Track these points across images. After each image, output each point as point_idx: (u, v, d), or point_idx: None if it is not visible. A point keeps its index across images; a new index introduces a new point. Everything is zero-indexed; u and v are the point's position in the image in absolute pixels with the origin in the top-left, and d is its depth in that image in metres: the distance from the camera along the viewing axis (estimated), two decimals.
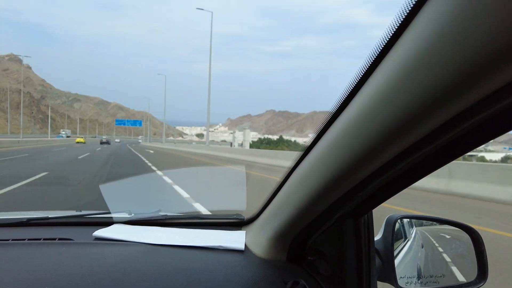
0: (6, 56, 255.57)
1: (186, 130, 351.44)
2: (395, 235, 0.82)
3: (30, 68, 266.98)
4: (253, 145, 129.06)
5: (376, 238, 0.79)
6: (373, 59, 0.43)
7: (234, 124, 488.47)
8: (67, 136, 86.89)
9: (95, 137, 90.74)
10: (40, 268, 0.75)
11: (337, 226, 0.72)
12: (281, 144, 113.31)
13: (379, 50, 0.42)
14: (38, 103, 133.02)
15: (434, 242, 0.91)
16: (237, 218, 1.13)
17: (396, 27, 0.38)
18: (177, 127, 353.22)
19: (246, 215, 1.11)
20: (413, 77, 0.38)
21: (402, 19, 0.37)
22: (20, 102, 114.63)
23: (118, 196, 1.45)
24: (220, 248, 0.89)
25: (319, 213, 0.67)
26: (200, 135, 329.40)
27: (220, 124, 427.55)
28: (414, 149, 0.45)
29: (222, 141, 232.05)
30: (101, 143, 55.13)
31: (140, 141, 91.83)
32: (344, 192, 0.59)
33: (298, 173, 0.67)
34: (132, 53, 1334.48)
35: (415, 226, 0.93)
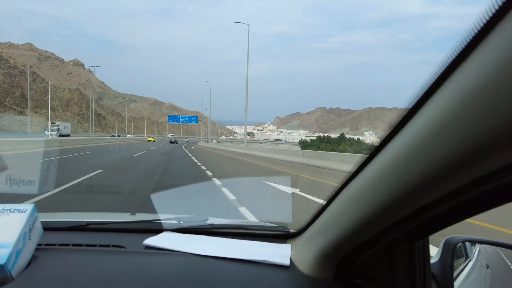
0: (71, 61, 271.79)
1: (236, 129, 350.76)
2: (456, 255, 0.76)
3: (91, 72, 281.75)
4: (312, 144, 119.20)
5: (432, 261, 0.75)
6: (459, 52, 0.37)
7: (283, 122, 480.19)
8: (118, 136, 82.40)
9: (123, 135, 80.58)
10: (95, 276, 0.78)
11: (389, 249, 0.68)
12: (342, 142, 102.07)
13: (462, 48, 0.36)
14: (88, 100, 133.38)
15: (505, 262, 0.83)
16: (283, 231, 1.13)
17: (491, 16, 0.33)
18: (227, 126, 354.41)
19: (292, 227, 1.11)
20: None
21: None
22: (70, 100, 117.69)
23: (168, 203, 1.50)
24: (265, 262, 0.89)
25: (370, 236, 0.63)
26: (250, 134, 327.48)
27: (269, 123, 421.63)
28: (487, 178, 0.40)
29: (276, 139, 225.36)
30: (170, 142, 62.11)
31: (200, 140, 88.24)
32: (402, 217, 0.54)
33: (352, 189, 0.62)
34: (184, 56, 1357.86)
35: (478, 246, 0.86)
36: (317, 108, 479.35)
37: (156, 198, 1.62)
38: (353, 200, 0.62)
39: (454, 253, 0.73)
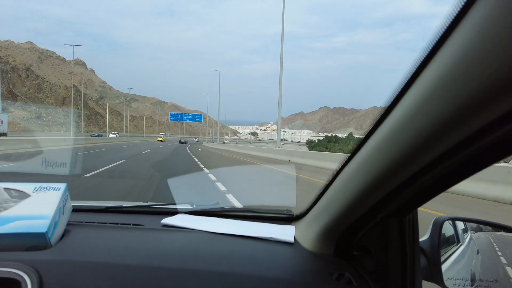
0: (73, 60, 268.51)
1: (239, 129, 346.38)
2: (446, 239, 0.83)
3: (93, 71, 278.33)
4: (319, 144, 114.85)
5: (423, 238, 0.81)
6: (427, 51, 0.43)
7: (286, 122, 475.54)
8: (98, 135, 66.22)
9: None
10: (121, 246, 0.87)
11: (382, 224, 0.74)
12: (351, 142, 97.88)
13: (430, 47, 0.42)
14: (86, 99, 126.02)
15: (493, 247, 0.88)
16: (287, 214, 1.20)
17: (451, 20, 0.38)
18: (230, 126, 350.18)
19: (296, 211, 1.17)
20: (467, 71, 0.37)
21: (458, 9, 0.37)
22: (66, 97, 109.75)
23: (182, 189, 1.64)
24: (272, 239, 0.96)
25: (365, 211, 0.69)
26: (253, 134, 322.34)
27: (271, 123, 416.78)
28: (461, 147, 0.45)
29: (282, 139, 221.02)
30: (180, 142, 65.30)
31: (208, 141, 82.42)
32: (389, 191, 0.61)
33: (346, 172, 0.70)
34: (187, 56, 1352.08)
35: (470, 231, 0.91)
36: (320, 108, 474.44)
37: (172, 182, 1.73)
38: (348, 180, 0.69)
39: (441, 230, 0.80)
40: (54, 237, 0.81)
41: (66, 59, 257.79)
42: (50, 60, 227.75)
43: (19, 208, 0.80)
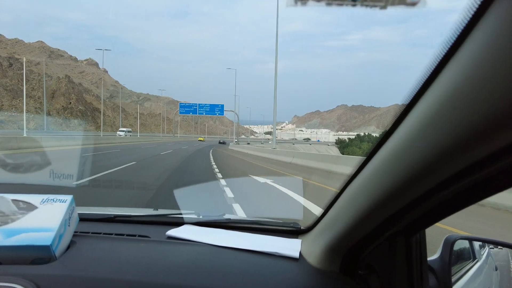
0: (85, 60, 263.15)
1: (255, 128, 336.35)
2: (460, 255, 0.80)
3: (106, 71, 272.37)
4: (351, 144, 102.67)
5: (433, 257, 0.79)
6: (446, 50, 0.39)
7: (302, 121, 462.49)
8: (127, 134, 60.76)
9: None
10: (124, 260, 0.86)
11: (389, 243, 0.72)
12: None
13: (446, 49, 0.38)
14: (80, 91, 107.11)
15: (469, 258, 0.86)
16: (294, 227, 1.18)
17: (469, 18, 0.34)
18: (245, 126, 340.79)
19: (303, 224, 1.15)
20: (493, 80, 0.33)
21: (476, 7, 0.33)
22: (56, 90, 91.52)
23: (188, 200, 1.67)
24: (276, 254, 0.94)
25: (371, 229, 0.67)
26: (269, 133, 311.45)
27: (287, 122, 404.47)
28: (479, 166, 0.41)
29: (306, 139, 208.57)
30: (219, 143, 66.73)
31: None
32: (397, 210, 0.58)
33: (352, 187, 0.68)
34: (200, 57, 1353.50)
35: (488, 246, 0.87)
36: (338, 106, 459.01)
37: (178, 193, 1.76)
38: (354, 197, 0.67)
39: (452, 249, 0.77)
40: (59, 249, 0.82)
41: (79, 59, 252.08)
42: (61, 60, 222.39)
43: (26, 220, 0.80)
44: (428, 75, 0.42)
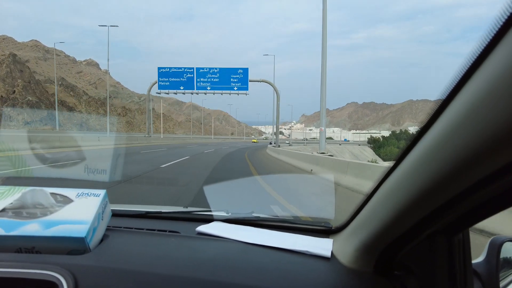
0: (84, 61, 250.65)
1: (263, 128, 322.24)
2: (507, 260, 0.75)
3: (108, 73, 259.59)
4: (387, 143, 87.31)
5: (477, 261, 0.76)
6: (487, 42, 0.37)
7: (310, 120, 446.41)
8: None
9: None
10: (155, 254, 0.88)
11: (428, 242, 0.68)
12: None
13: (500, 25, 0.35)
14: (30, 74, 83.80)
15: None
16: (325, 226, 1.15)
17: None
18: (253, 126, 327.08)
19: (334, 224, 1.12)
20: None
21: None
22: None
23: (218, 197, 1.71)
24: (307, 253, 0.92)
25: (409, 227, 0.64)
26: (280, 133, 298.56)
27: (295, 121, 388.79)
28: None
29: (329, 138, 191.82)
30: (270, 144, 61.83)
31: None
32: (438, 206, 0.55)
33: (389, 182, 0.65)
34: (206, 59, 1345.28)
35: None
36: (347, 104, 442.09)
37: (208, 190, 1.81)
38: (391, 192, 0.64)
39: (499, 252, 0.73)
40: (93, 242, 0.85)
41: (77, 60, 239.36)
42: (57, 59, 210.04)
43: (63, 213, 0.84)
44: (468, 67, 0.40)
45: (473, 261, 0.73)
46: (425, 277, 0.71)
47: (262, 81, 34.99)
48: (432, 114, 0.48)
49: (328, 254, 0.91)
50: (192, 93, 33.64)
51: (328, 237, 1.06)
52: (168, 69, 32.58)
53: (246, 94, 33.27)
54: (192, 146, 34.24)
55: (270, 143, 41.83)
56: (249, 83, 32.88)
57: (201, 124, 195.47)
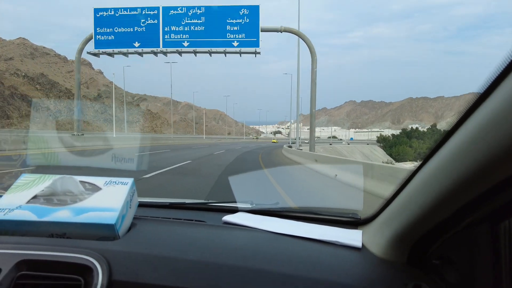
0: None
1: (261, 128, 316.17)
2: None
3: (101, 72, 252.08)
4: (398, 141, 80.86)
5: None
6: None
7: (307, 119, 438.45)
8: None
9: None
10: (183, 241, 0.89)
11: (470, 231, 0.64)
12: (437, 135, 64.37)
13: None
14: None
15: None
16: (353, 217, 1.12)
17: None
18: (250, 126, 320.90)
19: (363, 215, 1.10)
20: None
21: None
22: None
23: (243, 188, 1.68)
24: (337, 243, 0.90)
25: (448, 216, 0.61)
26: (278, 132, 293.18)
27: (292, 121, 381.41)
28: None
29: (332, 137, 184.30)
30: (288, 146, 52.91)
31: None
32: (479, 194, 0.52)
33: (426, 170, 0.63)
34: (204, 60, 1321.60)
35: None
36: (346, 102, 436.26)
37: (233, 180, 1.80)
38: (427, 182, 0.62)
39: None
40: (122, 229, 0.86)
41: (69, 59, 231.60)
42: (46, 58, 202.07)
43: (92, 200, 0.86)
44: (506, 65, 0.41)
45: None
46: (466, 266, 0.67)
47: (284, 31, 18.17)
48: (467, 109, 0.48)
49: (359, 244, 0.89)
50: (156, 53, 18.47)
51: (356, 228, 1.04)
52: (112, 13, 18.04)
53: (256, 53, 17.67)
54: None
55: (293, 144, 31.74)
56: (261, 34, 17.42)
57: (197, 123, 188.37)
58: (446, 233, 0.67)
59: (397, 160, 58.43)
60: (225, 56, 18.51)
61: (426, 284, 0.69)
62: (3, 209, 0.82)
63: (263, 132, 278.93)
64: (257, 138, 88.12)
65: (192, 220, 1.13)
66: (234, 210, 1.22)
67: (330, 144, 66.18)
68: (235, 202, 1.29)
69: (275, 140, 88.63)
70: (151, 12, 17.88)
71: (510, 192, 0.50)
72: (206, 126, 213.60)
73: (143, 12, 17.95)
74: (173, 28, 17.80)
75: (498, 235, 0.62)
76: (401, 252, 0.78)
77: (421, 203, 0.64)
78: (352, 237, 0.94)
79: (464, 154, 0.50)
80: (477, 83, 0.46)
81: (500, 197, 0.52)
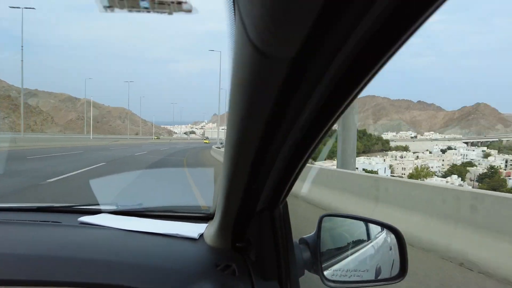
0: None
1: (174, 128, 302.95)
2: (356, 236, 0.95)
3: None
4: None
5: (310, 234, 0.89)
6: None
7: (222, 119, 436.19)
8: None
9: None
10: (35, 243, 0.91)
11: (259, 217, 0.79)
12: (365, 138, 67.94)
13: None
14: None
15: (365, 239, 0.99)
16: (205, 213, 1.27)
17: None
18: (162, 126, 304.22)
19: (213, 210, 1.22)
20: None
21: None
22: None
23: (106, 190, 1.68)
24: (177, 236, 1.02)
25: (238, 206, 0.73)
26: (192, 133, 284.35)
27: (206, 121, 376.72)
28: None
29: None
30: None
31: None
32: (246, 183, 0.63)
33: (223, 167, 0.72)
34: (109, 54, 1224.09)
35: (385, 230, 0.99)
36: None
37: (94, 183, 1.76)
38: (222, 176, 0.70)
39: (321, 225, 0.87)
40: None
41: None
42: None
43: None
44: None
45: (307, 235, 0.89)
46: (258, 247, 0.82)
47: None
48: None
49: (195, 236, 1.00)
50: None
51: (207, 223, 1.14)
52: None
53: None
54: None
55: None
56: None
57: (98, 122, 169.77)
58: (248, 221, 0.80)
59: (314, 159, 58.69)
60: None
61: (236, 263, 0.83)
62: None
63: (176, 132, 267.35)
64: (158, 138, 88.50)
65: (49, 222, 1.15)
66: (97, 212, 1.26)
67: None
68: (98, 204, 1.34)
69: (207, 141, 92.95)
70: None
71: (268, 184, 0.65)
72: (109, 125, 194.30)
73: None
74: None
75: (274, 220, 0.78)
76: (225, 239, 0.89)
77: (221, 196, 0.74)
78: (194, 229, 1.05)
79: (229, 151, 0.58)
80: None
81: (261, 186, 0.66)
